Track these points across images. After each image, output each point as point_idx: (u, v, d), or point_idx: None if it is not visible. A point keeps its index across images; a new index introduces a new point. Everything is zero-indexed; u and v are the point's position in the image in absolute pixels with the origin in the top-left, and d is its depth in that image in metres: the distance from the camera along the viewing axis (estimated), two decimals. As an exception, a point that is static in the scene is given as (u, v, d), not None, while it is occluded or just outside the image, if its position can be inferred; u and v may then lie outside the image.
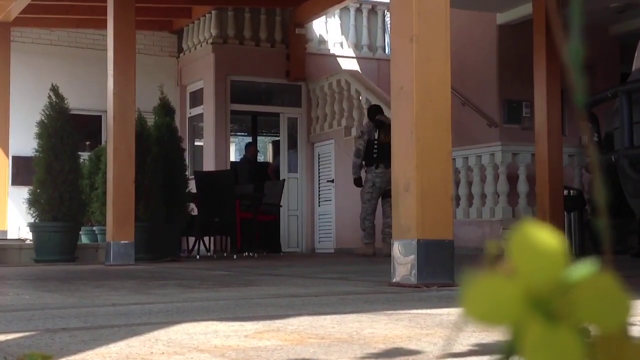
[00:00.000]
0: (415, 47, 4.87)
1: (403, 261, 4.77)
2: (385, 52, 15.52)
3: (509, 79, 12.42)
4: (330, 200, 14.12)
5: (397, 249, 4.82)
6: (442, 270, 4.71)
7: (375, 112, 11.03)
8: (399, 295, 4.15)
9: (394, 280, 4.81)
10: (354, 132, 13.56)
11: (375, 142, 10.67)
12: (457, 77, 11.04)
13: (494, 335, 2.28)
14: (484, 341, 2.25)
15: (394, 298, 4.00)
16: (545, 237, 0.45)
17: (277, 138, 16.48)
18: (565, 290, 0.44)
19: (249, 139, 18.00)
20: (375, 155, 10.65)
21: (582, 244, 10.12)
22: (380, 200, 10.84)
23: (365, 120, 11.69)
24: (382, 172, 10.54)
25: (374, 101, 13.09)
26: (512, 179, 10.73)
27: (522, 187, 10.69)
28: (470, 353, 2.06)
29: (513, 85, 12.35)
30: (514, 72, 12.19)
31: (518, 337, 0.43)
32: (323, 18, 15.17)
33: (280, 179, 14.23)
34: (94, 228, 11.36)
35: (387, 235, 10.31)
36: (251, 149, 15.61)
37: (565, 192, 9.86)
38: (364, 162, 10.82)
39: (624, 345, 0.43)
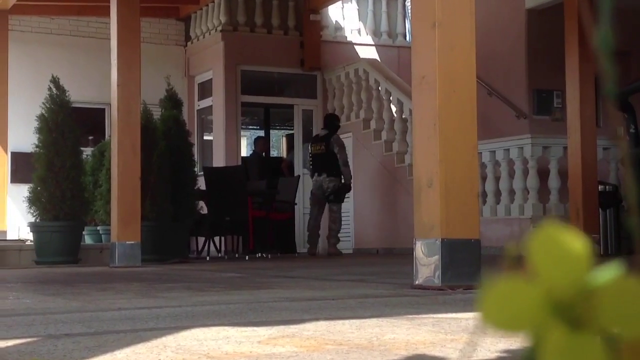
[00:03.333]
0: (438, 33, 4.87)
1: (426, 262, 4.77)
2: (405, 39, 15.49)
3: (538, 67, 12.36)
4: (349, 197, 14.11)
5: (419, 248, 4.82)
6: (468, 272, 4.70)
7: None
8: (422, 299, 4.15)
9: (417, 282, 4.82)
10: (373, 124, 13.56)
11: (310, 154, 12.61)
12: (483, 66, 11.01)
13: (519, 341, 2.28)
14: (511, 347, 2.25)
15: (416, 301, 4.01)
16: (568, 238, 0.46)
17: (291, 131, 16.49)
18: (588, 294, 0.45)
19: (261, 133, 18.03)
20: (311, 167, 12.61)
21: (619, 243, 10.08)
22: (327, 205, 12.49)
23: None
24: (315, 180, 12.42)
25: (394, 92, 13.08)
26: (543, 174, 10.69)
27: (553, 182, 10.65)
28: (497, 360, 2.07)
29: (543, 73, 12.30)
30: (544, 59, 12.14)
31: (539, 344, 0.44)
32: (339, 3, 15.15)
33: (295, 174, 14.24)
34: (98, 228, 11.42)
35: (328, 237, 12.51)
36: (260, 143, 15.58)
37: (600, 187, 9.82)
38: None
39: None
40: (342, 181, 12.36)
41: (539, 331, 0.45)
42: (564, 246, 0.46)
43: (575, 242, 0.46)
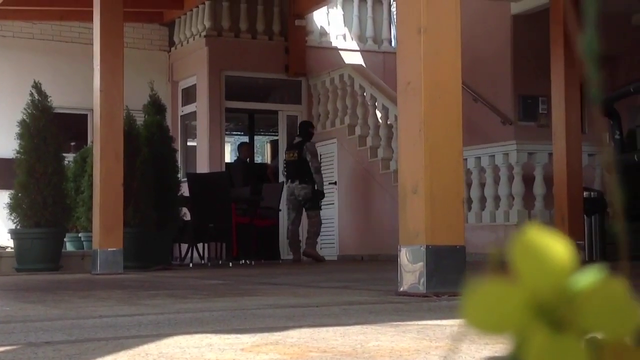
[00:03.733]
0: (424, 39, 4.88)
1: (411, 269, 4.77)
2: (391, 44, 15.53)
3: (524, 73, 12.42)
4: (333, 203, 14.12)
5: (404, 255, 4.83)
6: (453, 279, 4.71)
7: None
8: (407, 305, 4.15)
9: (402, 289, 4.82)
10: (358, 130, 13.58)
11: (284, 161, 12.98)
12: (469, 71, 11.05)
13: (503, 346, 2.28)
14: (496, 354, 2.25)
15: (401, 308, 4.01)
16: (550, 242, 0.46)
17: (275, 137, 16.49)
18: (570, 298, 0.45)
19: (245, 139, 18.02)
20: (285, 174, 12.91)
21: (604, 249, 10.12)
22: (305, 213, 12.76)
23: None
24: (288, 187, 12.69)
25: (379, 98, 13.11)
26: (528, 180, 10.73)
27: (538, 189, 10.69)
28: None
29: (529, 79, 12.35)
30: (530, 65, 12.20)
31: (522, 347, 0.44)
32: (324, 8, 15.19)
33: (280, 181, 14.25)
34: (80, 234, 11.37)
35: (305, 239, 12.72)
36: (244, 149, 15.59)
37: (585, 194, 9.86)
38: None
39: (633, 355, 0.44)
40: (315, 188, 12.53)
41: (522, 333, 0.45)
42: (546, 250, 0.46)
43: (557, 246, 0.46)
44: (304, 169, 12.52)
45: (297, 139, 12.84)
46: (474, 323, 0.44)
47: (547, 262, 0.46)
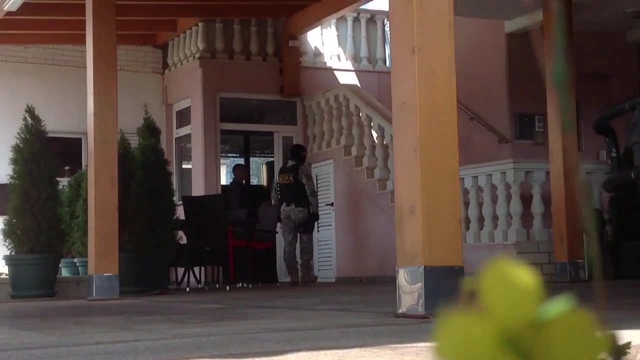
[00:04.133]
0: (418, 58, 4.91)
1: (409, 290, 4.78)
2: (386, 64, 15.58)
3: (520, 91, 12.46)
4: (330, 225, 14.12)
5: (402, 276, 4.83)
6: (452, 300, 4.71)
7: (288, 154, 13.43)
8: (406, 327, 4.16)
9: (400, 310, 4.82)
10: (354, 151, 13.60)
11: (278, 185, 13.01)
12: (464, 90, 11.09)
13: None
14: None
15: (400, 330, 4.01)
16: (519, 273, 0.47)
17: (271, 159, 16.51)
18: (538, 328, 0.46)
19: (241, 161, 18.04)
20: (279, 197, 12.89)
21: (603, 268, 10.12)
22: (299, 236, 12.88)
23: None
24: (284, 210, 12.69)
25: (375, 118, 13.14)
26: (526, 199, 10.75)
27: (536, 207, 10.71)
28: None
29: (524, 97, 12.40)
30: (525, 83, 12.25)
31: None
32: (318, 29, 15.24)
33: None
34: (75, 260, 11.35)
35: (297, 266, 12.88)
36: (239, 171, 15.57)
37: (584, 211, 9.85)
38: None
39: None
40: (310, 211, 12.69)
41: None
42: (514, 281, 0.48)
43: (525, 277, 0.48)
44: (299, 191, 12.67)
45: (290, 162, 13.00)
46: (445, 354, 0.45)
47: (515, 293, 0.47)
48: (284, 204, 12.72)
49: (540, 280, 0.51)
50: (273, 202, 13.17)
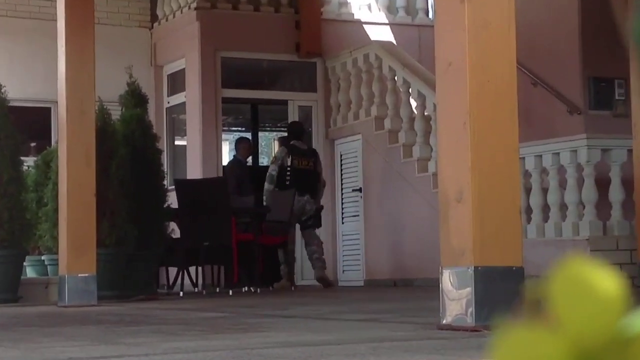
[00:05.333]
0: (468, 8, 4.88)
1: (456, 296, 4.77)
2: (428, 15, 15.53)
3: (596, 50, 12.38)
4: (358, 215, 14.12)
5: (447, 279, 4.83)
6: (509, 308, 4.70)
7: (294, 133, 13.65)
8: (451, 342, 4.15)
9: (444, 321, 4.82)
10: (387, 124, 13.58)
11: (288, 168, 13.17)
12: (526, 48, 11.03)
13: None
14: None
15: (443, 345, 4.01)
16: (596, 277, 0.46)
17: (284, 133, 16.51)
18: (621, 345, 0.45)
19: (248, 135, 18.05)
20: (287, 183, 13.06)
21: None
22: (301, 232, 13.33)
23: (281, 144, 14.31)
24: (298, 200, 12.88)
25: (414, 83, 13.11)
26: (603, 184, 10.69)
27: (615, 194, 10.65)
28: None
29: (602, 58, 12.31)
30: (603, 40, 12.16)
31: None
32: (344, -28, 15.21)
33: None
34: (43, 257, 11.41)
35: (315, 261, 13.20)
36: (243, 147, 15.27)
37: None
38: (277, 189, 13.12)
39: None
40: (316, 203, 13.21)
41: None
42: (592, 287, 0.47)
43: (604, 282, 0.47)
44: (316, 181, 13.18)
45: (303, 144, 13.49)
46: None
47: (593, 302, 0.46)
48: (297, 193, 12.91)
49: (623, 285, 0.50)
50: (267, 191, 13.25)
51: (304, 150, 13.42)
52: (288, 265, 13.11)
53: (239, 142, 15.69)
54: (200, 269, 12.50)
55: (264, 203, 13.10)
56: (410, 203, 13.15)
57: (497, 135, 4.89)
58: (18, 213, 10.38)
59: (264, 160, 21.27)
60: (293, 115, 15.05)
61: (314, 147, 14.69)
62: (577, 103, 12.52)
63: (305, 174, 13.04)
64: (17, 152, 10.49)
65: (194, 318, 6.99)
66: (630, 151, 10.23)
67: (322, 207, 13.52)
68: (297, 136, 13.62)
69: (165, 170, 12.40)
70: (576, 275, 0.48)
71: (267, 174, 13.44)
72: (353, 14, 15.42)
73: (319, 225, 13.41)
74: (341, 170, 14.63)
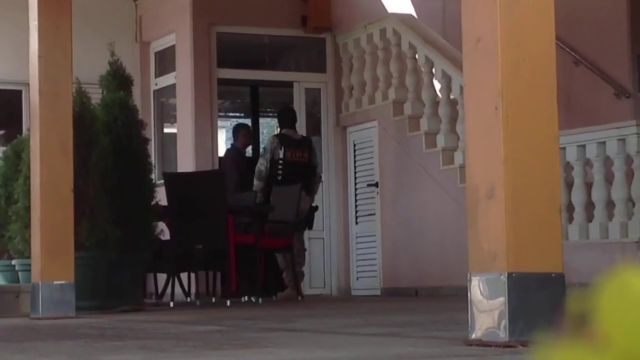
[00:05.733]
0: (500, -23, 4.88)
1: (487, 307, 4.77)
2: (454, -16, 15.52)
3: (646, 23, 12.36)
4: (374, 214, 14.12)
5: (477, 287, 4.82)
6: (548, 320, 4.70)
7: (286, 121, 13.67)
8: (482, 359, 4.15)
9: (474, 335, 4.81)
10: (408, 109, 13.57)
11: (280, 161, 13.17)
12: (566, 23, 11.02)
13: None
14: None
15: (472, 364, 4.01)
16: None
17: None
18: None
19: (247, 122, 18.05)
20: (279, 178, 13.11)
21: None
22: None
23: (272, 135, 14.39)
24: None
25: (438, 62, 13.09)
26: (655, 178, 10.68)
27: (670, 189, 10.64)
28: None
29: (653, 32, 12.29)
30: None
31: None
32: None
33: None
34: (13, 262, 11.43)
35: (297, 275, 12.87)
36: (243, 134, 15.26)
37: None
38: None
39: None
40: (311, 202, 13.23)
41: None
42: None
43: None
44: (310, 175, 13.20)
45: (296, 134, 13.47)
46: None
47: None
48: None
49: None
50: (257, 188, 13.25)
51: (297, 140, 13.41)
52: (293, 272, 12.95)
53: (238, 129, 15.58)
54: (193, 275, 12.52)
55: (257, 201, 13.05)
56: (433, 200, 13.14)
57: (534, 122, 4.88)
58: (-16, 211, 10.40)
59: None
60: (299, 99, 15.04)
61: (318, 136, 14.71)
62: (625, 85, 12.50)
63: (298, 168, 13.05)
64: (-17, 142, 10.52)
65: (186, 332, 7.00)
66: (687, 140, 10.22)
67: (316, 207, 13.55)
68: (288, 124, 13.59)
69: (153, 162, 12.41)
70: (626, 286, 0.48)
71: (256, 169, 13.40)
72: (368, -17, 15.42)
73: (311, 226, 13.47)
74: (354, 162, 14.63)
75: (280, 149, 13.20)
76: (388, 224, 13.90)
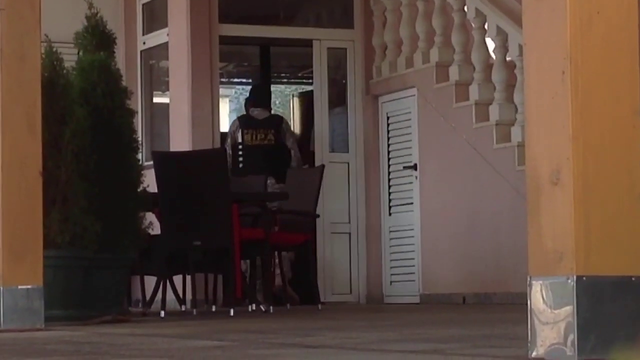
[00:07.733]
0: None
1: (551, 317, 4.78)
2: None
3: None
4: (412, 203, 14.14)
5: (539, 294, 4.83)
6: (626, 334, 4.71)
7: (253, 100, 14.36)
8: (544, 383, 4.17)
9: (535, 353, 4.83)
10: (454, 73, 13.57)
11: (240, 145, 13.79)
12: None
13: None
14: None
15: (533, 388, 4.02)
16: None
17: (309, 87, 16.55)
18: None
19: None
20: (241, 165, 13.76)
21: None
22: None
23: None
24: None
25: (491, 16, 13.08)
26: None
27: None
28: None
29: None
30: None
31: None
32: None
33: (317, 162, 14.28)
34: (-31, 262, 11.51)
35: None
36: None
37: None
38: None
39: None
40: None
41: None
42: None
43: None
44: (282, 158, 13.50)
45: (264, 112, 13.83)
46: None
47: None
48: (251, 176, 13.13)
49: None
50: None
51: (259, 121, 13.79)
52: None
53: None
54: (189, 278, 12.56)
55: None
56: (485, 186, 13.15)
57: (610, 91, 4.88)
58: None
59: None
60: (320, 62, 15.03)
61: (342, 106, 14.72)
62: None
63: (260, 151, 13.47)
64: None
65: (180, 348, 7.03)
66: None
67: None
68: (257, 103, 13.94)
69: (140, 139, 12.44)
70: None
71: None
72: None
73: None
74: (388, 139, 14.64)
75: (239, 132, 13.82)
76: (429, 215, 13.91)
